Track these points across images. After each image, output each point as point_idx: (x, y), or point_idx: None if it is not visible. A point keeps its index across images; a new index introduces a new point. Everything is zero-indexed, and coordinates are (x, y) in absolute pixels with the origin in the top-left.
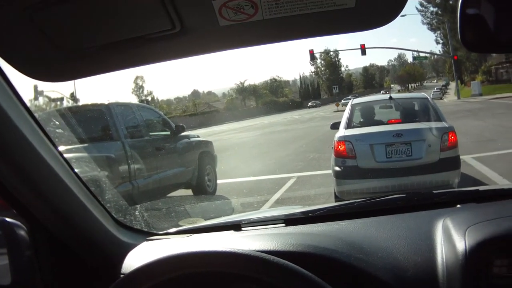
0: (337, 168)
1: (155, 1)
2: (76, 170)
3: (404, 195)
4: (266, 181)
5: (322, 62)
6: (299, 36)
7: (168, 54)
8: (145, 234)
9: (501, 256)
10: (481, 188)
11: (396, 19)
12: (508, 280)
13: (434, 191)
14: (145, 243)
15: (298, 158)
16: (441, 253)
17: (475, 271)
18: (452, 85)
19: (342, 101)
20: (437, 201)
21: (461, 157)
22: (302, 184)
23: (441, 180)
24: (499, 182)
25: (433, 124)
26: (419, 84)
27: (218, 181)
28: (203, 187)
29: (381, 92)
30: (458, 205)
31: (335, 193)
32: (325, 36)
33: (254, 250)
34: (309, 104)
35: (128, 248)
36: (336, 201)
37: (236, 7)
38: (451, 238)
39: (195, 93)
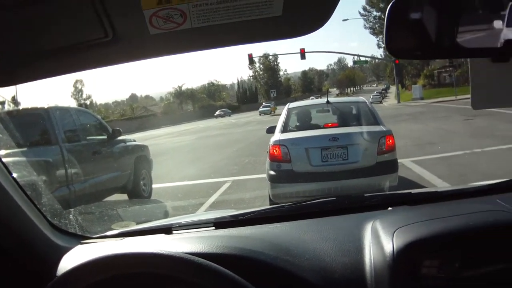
0: (272, 172)
1: (89, 10)
2: (14, 175)
3: (334, 198)
4: (201, 185)
5: (261, 66)
6: (228, 43)
7: (102, 61)
8: (80, 238)
9: (431, 257)
10: (413, 191)
11: (337, 23)
12: (438, 281)
13: (365, 194)
14: (79, 246)
15: (234, 162)
16: (369, 255)
17: (404, 272)
18: (393, 89)
19: (261, 109)
20: (368, 204)
21: (400, 160)
22: (237, 188)
23: (378, 184)
24: (439, 185)
25: (370, 128)
26: (358, 88)
27: (154, 186)
28: (138, 192)
29: (311, 98)
30: (390, 208)
31: (270, 197)
32: (253, 43)
33: (182, 252)
34: (216, 113)
35: (63, 251)
36: (270, 205)
37: (165, 16)
38: (379, 240)
39: (133, 97)
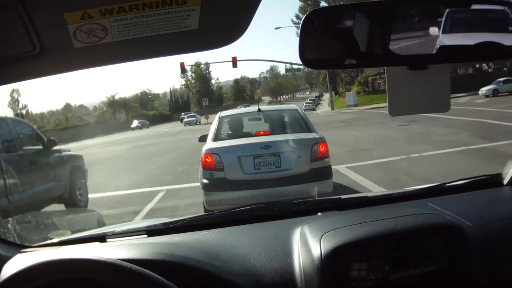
0: (205, 181)
1: (18, 25)
2: None
3: (264, 205)
4: (136, 194)
5: (193, 74)
6: (148, 56)
7: (30, 74)
8: (19, 247)
9: (360, 259)
10: (343, 196)
11: (270, 31)
12: (368, 282)
13: (295, 200)
14: (18, 255)
15: (167, 171)
16: (298, 259)
17: (332, 275)
18: (326, 96)
19: (186, 119)
20: (297, 210)
21: (335, 167)
22: (172, 197)
23: (312, 190)
24: (375, 190)
25: (303, 135)
26: (291, 96)
27: (90, 196)
28: (75, 201)
29: (238, 107)
30: (319, 213)
31: (204, 205)
32: (172, 56)
33: (115, 259)
34: (133, 125)
35: (3, 260)
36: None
37: (88, 30)
38: (307, 245)
39: (67, 106)
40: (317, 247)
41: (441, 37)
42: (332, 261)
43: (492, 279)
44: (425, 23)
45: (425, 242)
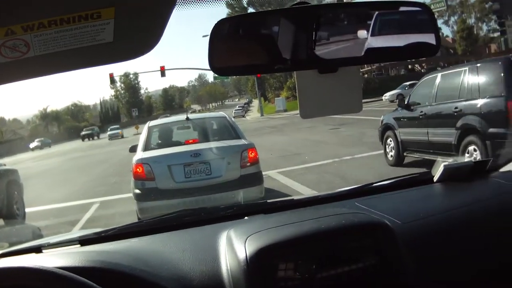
0: (137, 191)
1: None
2: None
3: (191, 211)
4: (72, 207)
5: (122, 85)
6: (68, 68)
7: None
8: None
9: (286, 260)
10: (270, 200)
11: (198, 40)
12: (296, 282)
13: (222, 206)
14: None
15: (101, 182)
16: (225, 262)
17: (259, 276)
18: (256, 102)
19: (109, 132)
20: (224, 215)
21: (267, 172)
22: (106, 208)
23: (244, 196)
24: (307, 193)
25: (232, 142)
26: (220, 103)
27: (27, 209)
28: (12, 215)
29: (161, 116)
30: (246, 217)
31: (137, 215)
32: (91, 67)
33: (50, 267)
34: (32, 145)
35: None
36: None
37: (12, 46)
38: (233, 247)
39: (1, 120)
40: (242, 250)
41: (350, 38)
42: (257, 262)
43: (423, 274)
44: (336, 27)
45: (352, 241)
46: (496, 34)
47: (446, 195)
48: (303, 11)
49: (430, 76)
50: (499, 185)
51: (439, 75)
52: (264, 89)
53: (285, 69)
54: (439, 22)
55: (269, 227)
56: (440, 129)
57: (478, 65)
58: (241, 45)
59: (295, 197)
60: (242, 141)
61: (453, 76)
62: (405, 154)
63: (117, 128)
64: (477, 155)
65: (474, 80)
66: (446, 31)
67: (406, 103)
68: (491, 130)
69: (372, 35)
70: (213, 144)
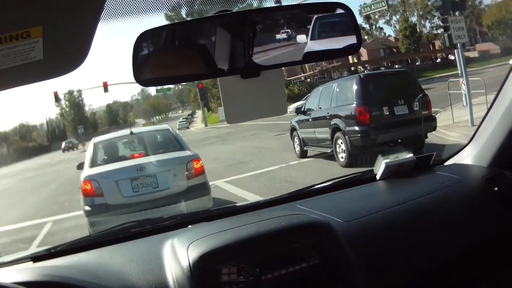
0: (87, 208)
1: None
2: None
3: (136, 222)
4: (24, 228)
5: (67, 103)
6: (3, 87)
7: None
8: None
9: (228, 264)
10: (212, 208)
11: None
12: (240, 285)
13: (165, 216)
14: None
15: (52, 201)
16: (170, 270)
17: (203, 281)
18: (199, 113)
19: (65, 144)
20: (168, 225)
21: (214, 182)
22: (59, 226)
23: (192, 207)
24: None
25: (176, 154)
26: (164, 116)
27: None
28: None
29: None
30: (190, 226)
31: (89, 231)
32: (23, 86)
33: (7, 282)
34: None
35: None
36: None
37: None
38: (176, 256)
39: None
40: (185, 257)
41: (266, 44)
42: (200, 268)
43: (367, 270)
44: (257, 33)
45: (293, 242)
46: (440, 31)
47: (389, 191)
48: (225, 19)
49: (317, 88)
50: (444, 178)
51: (321, 87)
52: (207, 99)
53: (209, 76)
54: (381, 22)
55: (210, 234)
56: (321, 129)
57: (341, 80)
58: (164, 56)
59: (238, 204)
60: (186, 153)
61: (328, 89)
62: (305, 148)
63: (70, 142)
64: (343, 146)
65: (338, 91)
66: (388, 30)
67: (302, 109)
68: (348, 128)
69: (294, 37)
70: (158, 157)
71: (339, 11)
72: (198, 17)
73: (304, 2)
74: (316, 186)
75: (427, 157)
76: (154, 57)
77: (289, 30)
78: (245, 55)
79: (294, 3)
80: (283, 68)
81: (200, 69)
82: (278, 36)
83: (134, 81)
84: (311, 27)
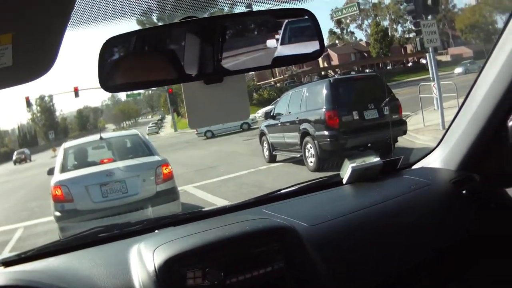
0: (57, 213)
1: None
2: None
3: (103, 227)
4: None
5: (38, 108)
6: None
7: None
8: None
9: (193, 268)
10: (179, 213)
11: None
12: None
13: (133, 221)
14: None
15: (22, 207)
16: (137, 274)
17: (169, 285)
18: (169, 118)
19: (14, 157)
20: (136, 230)
21: (183, 187)
22: (30, 232)
23: (161, 213)
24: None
25: (145, 159)
26: (134, 121)
27: None
28: None
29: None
30: (156, 231)
31: (59, 237)
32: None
33: None
34: None
35: None
36: None
37: None
38: (143, 260)
39: None
40: (151, 261)
41: (231, 50)
42: (166, 272)
43: (334, 274)
44: (221, 39)
45: (258, 246)
46: (411, 35)
47: (355, 195)
48: (190, 25)
49: (286, 93)
50: (411, 182)
51: (291, 92)
52: (177, 104)
53: (174, 82)
54: (352, 27)
55: (176, 238)
56: (290, 133)
57: (311, 85)
58: (129, 62)
59: (204, 209)
60: (155, 158)
61: (298, 93)
62: (274, 153)
63: (22, 153)
64: (312, 151)
65: (308, 96)
66: (359, 35)
67: (272, 114)
68: (317, 133)
69: (257, 43)
70: (127, 162)
71: (304, 17)
72: (167, 22)
73: (269, 8)
74: (282, 191)
75: (394, 161)
76: (119, 64)
77: (253, 36)
78: (209, 61)
79: (261, 9)
80: (253, 72)
81: (163, 75)
82: (242, 42)
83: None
84: (276, 32)
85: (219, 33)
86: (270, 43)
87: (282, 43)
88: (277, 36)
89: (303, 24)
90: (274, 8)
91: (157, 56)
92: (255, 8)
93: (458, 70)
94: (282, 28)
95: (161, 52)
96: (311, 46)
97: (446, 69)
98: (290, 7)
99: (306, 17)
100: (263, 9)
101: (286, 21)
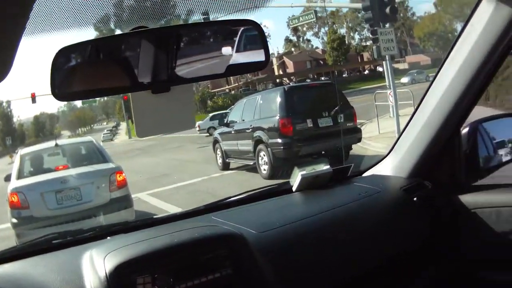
0: (14, 220)
1: None
2: None
3: (57, 234)
4: None
5: None
6: None
7: None
8: None
9: (143, 274)
10: (129, 220)
11: None
12: None
13: (85, 228)
14: None
15: None
16: (89, 280)
17: None
18: (124, 125)
19: None
20: (88, 236)
21: (137, 195)
22: None
23: (115, 220)
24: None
25: (99, 166)
26: (90, 127)
27: None
28: None
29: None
30: (108, 237)
31: (16, 243)
32: None
33: None
34: None
35: None
36: None
37: None
38: (94, 266)
39: None
40: (102, 268)
41: (179, 60)
42: (116, 278)
43: (282, 281)
44: (170, 49)
45: (207, 252)
46: (369, 43)
47: (304, 203)
48: (141, 36)
49: (240, 100)
50: (361, 189)
51: (245, 100)
52: (131, 112)
53: (123, 91)
54: (309, 34)
55: (126, 245)
56: (244, 141)
57: (266, 92)
58: (81, 72)
59: (155, 216)
60: (110, 165)
61: (252, 101)
62: (227, 160)
63: None
64: (265, 158)
65: (262, 104)
66: (316, 43)
67: (225, 121)
68: (271, 141)
69: (207, 53)
70: (81, 170)
71: (250, 27)
72: (120, 32)
73: (216, 20)
74: (232, 198)
75: (345, 169)
76: (70, 73)
77: (203, 46)
78: (159, 71)
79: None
80: (208, 81)
81: (113, 84)
82: (193, 52)
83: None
84: (225, 43)
85: (169, 43)
86: (221, 52)
87: (232, 53)
88: (226, 46)
89: (250, 34)
90: (223, 19)
91: (107, 66)
92: (204, 19)
93: (405, 80)
94: (233, 39)
95: (111, 62)
96: (256, 57)
97: (396, 78)
98: (238, 18)
99: (252, 27)
100: (213, 20)
101: (232, 32)
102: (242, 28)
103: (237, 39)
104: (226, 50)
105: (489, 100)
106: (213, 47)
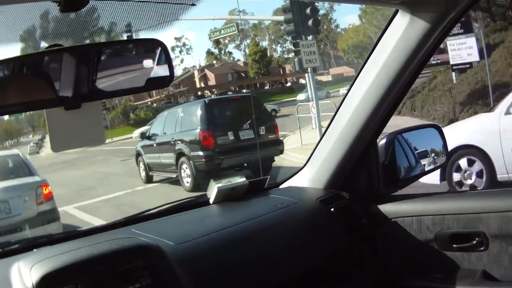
0: None
1: None
2: None
3: None
4: None
5: None
6: None
7: None
8: None
9: (66, 284)
10: (54, 233)
11: None
12: None
13: (12, 241)
14: None
15: None
16: None
17: None
18: (48, 138)
19: None
20: (16, 249)
21: (63, 208)
22: None
23: (43, 233)
24: None
25: (26, 180)
26: (16, 140)
27: None
28: None
29: None
30: (35, 249)
31: None
32: None
33: None
34: None
35: None
36: None
37: None
38: (22, 277)
39: None
40: (29, 279)
41: (90, 76)
42: None
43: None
44: (81, 67)
45: (125, 263)
46: (291, 55)
47: (221, 215)
48: (54, 54)
49: (162, 113)
50: (277, 201)
51: (166, 112)
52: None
53: (35, 108)
54: (231, 47)
55: (51, 256)
56: (166, 154)
57: (187, 105)
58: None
59: (78, 229)
60: (35, 178)
61: (173, 114)
62: (150, 173)
63: None
64: (188, 171)
65: (183, 116)
66: (237, 55)
67: (147, 134)
68: (192, 153)
69: (110, 71)
70: (8, 183)
71: (154, 45)
72: (34, 51)
73: (124, 39)
74: (152, 211)
75: (261, 181)
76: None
77: (109, 65)
78: (70, 88)
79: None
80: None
81: (27, 101)
82: (97, 71)
83: None
84: (125, 61)
85: (83, 61)
86: (135, 68)
87: (132, 71)
88: (136, 65)
89: (153, 53)
90: (131, 39)
91: (22, 82)
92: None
93: (301, 97)
94: (131, 58)
95: (26, 79)
96: (159, 74)
97: (328, 88)
98: (144, 37)
99: (158, 46)
100: (122, 39)
101: (137, 50)
102: (147, 47)
103: (142, 57)
104: (140, 67)
105: (415, 111)
106: (126, 64)
